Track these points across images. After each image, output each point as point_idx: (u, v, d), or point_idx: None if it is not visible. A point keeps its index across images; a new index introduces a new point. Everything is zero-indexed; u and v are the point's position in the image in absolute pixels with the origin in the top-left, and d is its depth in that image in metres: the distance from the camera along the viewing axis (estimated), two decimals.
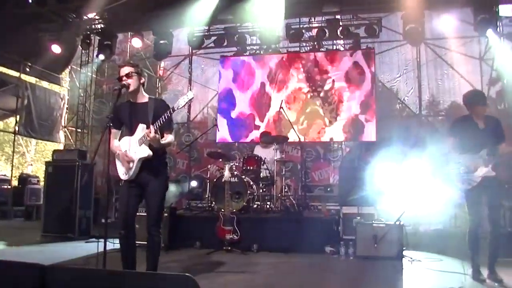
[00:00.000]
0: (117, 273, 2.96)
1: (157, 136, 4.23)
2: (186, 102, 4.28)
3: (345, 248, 6.63)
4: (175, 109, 4.27)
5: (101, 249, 3.92)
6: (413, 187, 8.24)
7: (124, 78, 4.37)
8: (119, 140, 4.54)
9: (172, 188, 9.88)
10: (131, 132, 4.44)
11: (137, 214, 4.58)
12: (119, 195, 4.68)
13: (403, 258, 6.29)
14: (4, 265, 2.96)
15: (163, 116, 4.26)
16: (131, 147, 4.39)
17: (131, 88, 4.39)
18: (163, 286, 2.55)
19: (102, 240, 3.96)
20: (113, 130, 4.44)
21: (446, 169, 5.06)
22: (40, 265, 2.77)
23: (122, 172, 4.45)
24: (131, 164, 4.36)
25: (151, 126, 4.23)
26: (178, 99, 4.28)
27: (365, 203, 7.32)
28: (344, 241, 6.84)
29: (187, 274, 2.45)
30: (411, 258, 6.26)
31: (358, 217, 7.03)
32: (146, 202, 4.47)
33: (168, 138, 4.45)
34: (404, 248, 6.46)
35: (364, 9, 11.63)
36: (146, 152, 4.33)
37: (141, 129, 4.35)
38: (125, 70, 4.41)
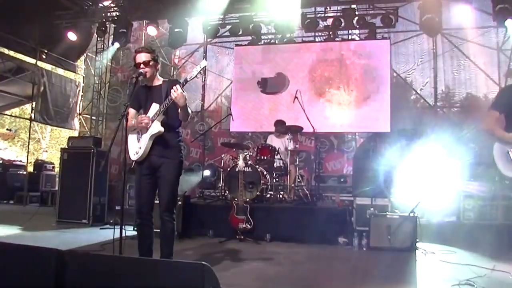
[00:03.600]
0: (134, 260, 2.99)
1: (184, 93, 4.22)
2: (199, 71, 4.30)
3: (359, 239, 6.63)
4: (188, 79, 4.27)
5: (116, 236, 3.94)
6: (427, 178, 8.22)
7: (142, 66, 4.39)
8: None
9: (187, 177, 9.93)
10: (146, 113, 4.46)
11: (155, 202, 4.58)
12: (134, 184, 4.66)
13: (417, 250, 6.27)
14: (22, 249, 3.01)
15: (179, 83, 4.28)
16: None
17: (148, 76, 4.44)
18: (180, 274, 2.58)
19: (118, 227, 3.99)
20: (132, 110, 4.47)
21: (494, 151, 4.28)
22: (58, 250, 2.81)
23: (133, 152, 4.43)
24: (146, 129, 4.35)
25: (178, 85, 4.21)
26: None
27: (378, 194, 7.30)
28: (357, 232, 6.83)
29: (203, 262, 2.46)
30: (425, 250, 6.25)
31: (372, 208, 7.01)
32: (159, 187, 4.45)
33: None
34: (417, 240, 6.43)
35: None
36: (157, 128, 4.33)
37: (154, 107, 4.38)
38: (142, 57, 4.42)
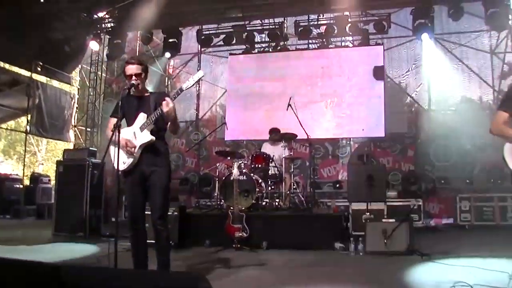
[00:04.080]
0: (130, 272, 2.99)
1: (173, 105, 4.24)
2: (196, 81, 4.32)
3: (355, 244, 6.63)
4: (184, 89, 4.30)
5: (112, 248, 3.93)
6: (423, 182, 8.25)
7: (134, 78, 4.40)
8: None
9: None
10: (130, 123, 4.46)
11: (146, 213, 4.56)
12: (126, 195, 4.64)
13: (413, 254, 6.27)
14: (18, 264, 3.00)
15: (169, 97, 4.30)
16: (133, 135, 4.40)
17: (140, 87, 4.47)
18: (175, 285, 2.57)
19: (113, 239, 3.98)
20: (113, 119, 4.45)
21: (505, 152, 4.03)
22: (53, 264, 2.80)
23: (120, 161, 4.34)
24: (134, 150, 4.35)
25: (167, 98, 4.24)
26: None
27: (374, 199, 7.33)
28: (353, 237, 6.85)
29: (198, 273, 2.46)
30: (421, 253, 6.23)
31: (368, 213, 7.03)
32: (150, 195, 4.43)
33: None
34: (414, 243, 6.44)
35: (373, 5, 11.62)
36: (148, 137, 4.35)
37: (142, 117, 4.39)
38: (134, 69, 4.43)
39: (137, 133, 4.39)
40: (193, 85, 4.37)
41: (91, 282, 2.75)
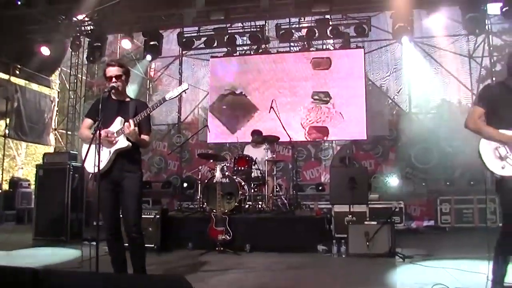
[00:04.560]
0: (111, 276, 2.97)
1: (136, 129, 4.25)
2: (180, 93, 4.33)
3: (338, 247, 6.67)
4: (167, 99, 4.32)
5: (93, 252, 3.89)
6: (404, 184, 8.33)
7: (114, 80, 4.38)
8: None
9: None
10: (106, 126, 4.36)
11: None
12: (100, 201, 4.39)
13: (395, 256, 6.33)
14: None
15: (143, 112, 4.31)
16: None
17: (120, 89, 4.45)
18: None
19: (94, 243, 3.94)
20: (88, 120, 4.48)
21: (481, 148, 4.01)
22: (32, 269, 2.76)
23: (91, 164, 4.19)
24: (113, 139, 4.32)
25: (130, 120, 4.25)
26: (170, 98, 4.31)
27: (356, 201, 7.37)
28: (336, 239, 6.91)
29: (180, 275, 2.45)
30: (403, 255, 6.29)
31: (350, 216, 7.07)
32: (123, 203, 4.39)
33: (144, 137, 4.47)
34: (395, 245, 6.49)
35: (353, 9, 11.70)
36: (124, 143, 4.32)
37: (119, 121, 4.36)
38: (115, 71, 4.42)
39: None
40: (176, 96, 4.37)
41: (72, 286, 2.73)
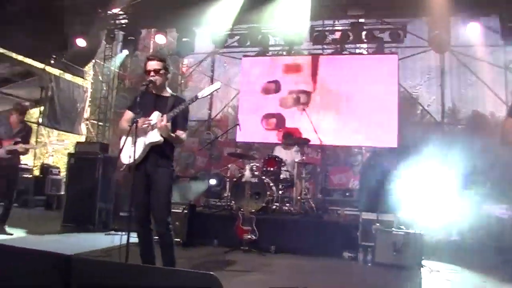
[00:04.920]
0: (141, 268, 2.99)
1: (168, 125, 4.24)
2: (212, 92, 4.35)
3: (364, 254, 6.62)
4: (199, 97, 4.31)
5: (122, 242, 3.91)
6: (434, 196, 8.18)
7: (152, 73, 4.41)
8: None
9: (193, 185, 9.95)
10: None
11: None
12: (132, 193, 4.51)
13: (422, 268, 6.25)
14: (28, 253, 3.01)
15: (176, 108, 4.32)
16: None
17: (158, 83, 4.45)
18: (187, 283, 2.57)
19: (122, 233, 3.98)
20: (129, 113, 4.48)
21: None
22: (64, 255, 2.80)
23: (126, 155, 4.28)
24: (149, 127, 4.34)
25: (164, 115, 4.26)
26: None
27: (385, 210, 7.30)
28: (362, 247, 6.81)
29: (211, 273, 2.46)
30: (430, 268, 6.22)
31: (378, 224, 7.01)
32: (152, 197, 4.40)
33: (179, 133, 4.45)
34: (423, 257, 6.42)
35: (389, 14, 11.59)
36: (157, 137, 4.32)
37: (156, 115, 4.36)
38: (154, 65, 4.44)
39: (149, 131, 4.38)
40: (208, 95, 4.39)
41: (102, 275, 2.77)
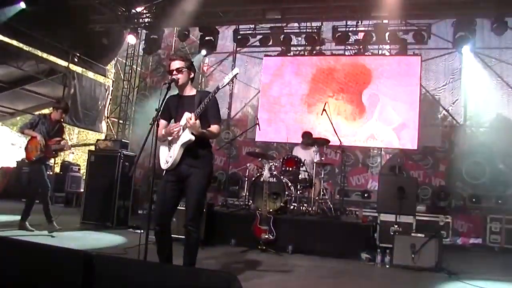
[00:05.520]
0: (161, 267, 2.99)
1: (197, 122, 4.17)
2: (231, 79, 4.27)
3: (382, 256, 6.54)
4: (220, 87, 4.24)
5: (140, 240, 3.91)
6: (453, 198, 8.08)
7: (174, 72, 4.37)
8: None
9: None
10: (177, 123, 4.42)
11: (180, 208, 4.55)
12: (157, 191, 4.56)
13: (441, 271, 6.15)
14: (51, 250, 3.03)
15: (202, 104, 4.25)
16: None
17: (180, 83, 4.39)
18: (206, 283, 2.55)
19: (140, 231, 3.96)
20: (162, 121, 4.41)
21: None
22: (85, 252, 2.82)
23: (163, 161, 4.36)
24: (176, 134, 4.33)
25: (193, 113, 4.20)
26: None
27: (404, 212, 7.21)
28: (380, 248, 6.75)
29: (231, 272, 2.44)
30: (449, 271, 6.11)
31: (396, 226, 6.93)
32: (186, 196, 4.37)
33: (212, 127, 4.38)
34: (442, 260, 6.31)
35: (413, 15, 11.44)
36: (188, 136, 4.25)
37: (185, 117, 4.30)
38: (176, 64, 4.39)
39: (181, 132, 4.34)
40: (229, 82, 4.34)
41: (123, 273, 2.77)
